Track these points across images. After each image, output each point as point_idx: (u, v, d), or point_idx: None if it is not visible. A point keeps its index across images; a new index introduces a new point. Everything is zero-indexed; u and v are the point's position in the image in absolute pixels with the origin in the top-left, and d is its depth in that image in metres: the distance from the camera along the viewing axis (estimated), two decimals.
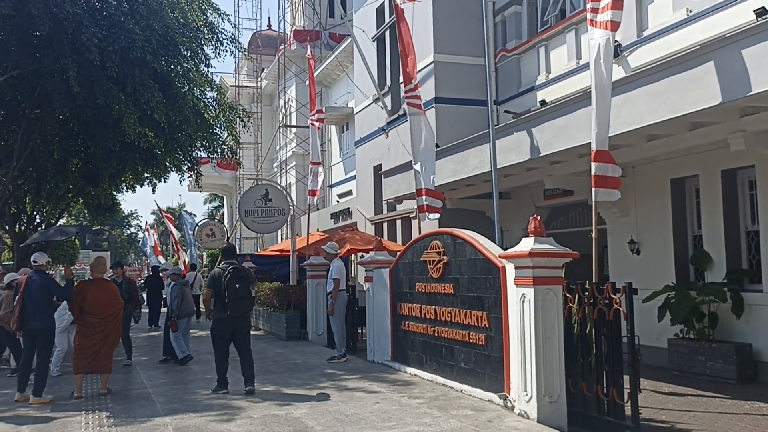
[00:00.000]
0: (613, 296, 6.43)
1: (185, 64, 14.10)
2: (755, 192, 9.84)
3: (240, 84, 36.87)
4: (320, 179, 16.97)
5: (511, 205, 14.50)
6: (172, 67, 13.81)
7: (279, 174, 33.22)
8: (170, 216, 43.92)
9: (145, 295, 20.73)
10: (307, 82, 19.60)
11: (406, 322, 9.83)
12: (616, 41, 11.56)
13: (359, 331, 12.93)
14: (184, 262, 33.56)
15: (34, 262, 8.87)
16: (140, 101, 12.32)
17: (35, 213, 21.10)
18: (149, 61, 12.22)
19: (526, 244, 6.76)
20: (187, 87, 14.43)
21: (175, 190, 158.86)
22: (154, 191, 50.22)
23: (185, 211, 52.32)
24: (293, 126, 30.10)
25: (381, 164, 18.39)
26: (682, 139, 9.13)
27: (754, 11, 8.22)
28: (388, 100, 18.26)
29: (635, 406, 6.31)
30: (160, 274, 20.50)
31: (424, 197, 11.67)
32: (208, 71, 15.01)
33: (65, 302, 9.54)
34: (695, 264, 10.63)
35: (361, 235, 17.71)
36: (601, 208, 10.91)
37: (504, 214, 12.83)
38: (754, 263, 10.02)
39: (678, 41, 10.51)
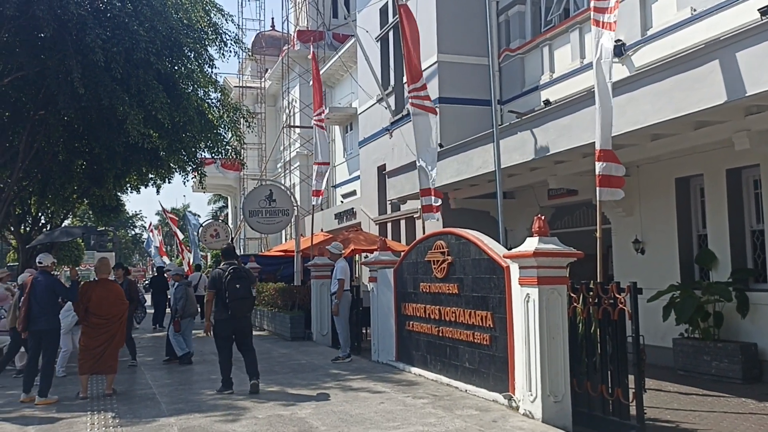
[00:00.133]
0: (617, 296, 6.41)
1: (189, 65, 14.12)
2: (760, 191, 9.81)
3: (244, 85, 36.91)
4: (325, 179, 16.97)
5: (515, 205, 14.49)
6: (176, 68, 13.83)
7: (283, 174, 33.25)
8: (174, 217, 43.99)
9: (149, 296, 20.78)
10: (311, 83, 19.62)
11: (411, 322, 9.83)
12: (620, 40, 11.57)
13: (363, 331, 12.93)
14: (189, 262, 33.63)
15: (39, 263, 8.89)
16: (144, 102, 12.35)
17: (40, 214, 21.18)
18: (153, 63, 12.25)
19: (531, 244, 6.76)
20: (191, 88, 14.45)
21: (179, 191, 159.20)
22: (158, 192, 50.21)
23: (189, 211, 52.32)
24: (297, 126, 30.14)
25: (385, 164, 18.40)
26: (686, 138, 9.12)
27: (758, 10, 8.19)
28: (391, 100, 18.26)
29: (640, 405, 6.29)
30: (165, 274, 20.54)
31: (430, 197, 11.67)
32: (212, 72, 15.04)
33: (69, 303, 9.58)
34: (700, 263, 10.61)
35: (365, 235, 17.71)
36: (606, 207, 10.90)
37: (508, 213, 12.82)
38: (759, 262, 9.99)
39: (682, 40, 10.49)
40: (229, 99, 16.58)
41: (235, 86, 35.84)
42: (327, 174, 16.70)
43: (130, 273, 20.52)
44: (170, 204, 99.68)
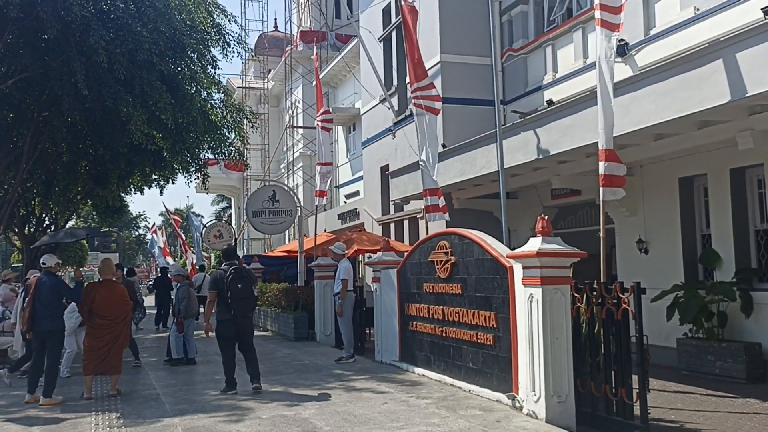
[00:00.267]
0: (621, 296, 6.41)
1: (192, 66, 14.15)
2: (764, 190, 9.80)
3: (247, 85, 36.95)
4: (329, 181, 16.97)
5: (518, 205, 14.48)
6: (179, 69, 13.85)
7: (286, 175, 33.28)
8: (177, 218, 44.07)
9: (153, 297, 20.80)
10: (314, 83, 19.64)
11: (414, 323, 9.83)
12: (623, 40, 11.55)
13: (367, 331, 12.94)
14: (192, 263, 33.70)
15: (43, 264, 8.91)
16: (148, 103, 12.38)
17: (44, 215, 21.24)
18: (156, 64, 12.28)
19: (534, 244, 6.75)
20: (194, 89, 14.48)
21: (182, 192, 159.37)
22: (161, 193, 50.46)
23: (193, 212, 52.42)
24: (300, 127, 30.15)
25: (388, 165, 18.40)
26: (690, 137, 9.10)
27: (761, 9, 8.18)
28: (394, 100, 18.26)
29: (644, 405, 6.29)
30: (168, 275, 20.59)
31: (435, 197, 11.66)
32: (215, 73, 15.06)
33: (73, 304, 9.61)
34: (704, 263, 10.59)
35: (369, 235, 17.72)
36: (609, 207, 10.89)
37: (511, 213, 12.82)
38: (763, 262, 9.98)
39: (685, 40, 10.47)
40: (232, 100, 16.61)
41: (238, 87, 35.87)
42: (330, 175, 16.69)
43: (135, 274, 20.60)
44: (174, 205, 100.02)
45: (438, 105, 12.02)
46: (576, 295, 6.86)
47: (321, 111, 16.79)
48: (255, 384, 8.56)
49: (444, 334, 8.95)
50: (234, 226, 36.60)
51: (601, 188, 7.82)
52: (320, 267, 14.01)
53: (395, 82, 18.55)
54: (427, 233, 10.77)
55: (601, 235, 7.86)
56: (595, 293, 6.70)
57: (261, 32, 40.38)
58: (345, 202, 25.97)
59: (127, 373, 10.06)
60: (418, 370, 9.57)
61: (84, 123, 14.98)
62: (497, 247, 7.97)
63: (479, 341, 8.06)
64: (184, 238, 42.13)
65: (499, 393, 7.52)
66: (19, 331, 10.12)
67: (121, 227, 65.20)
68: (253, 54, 24.29)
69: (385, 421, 6.84)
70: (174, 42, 12.91)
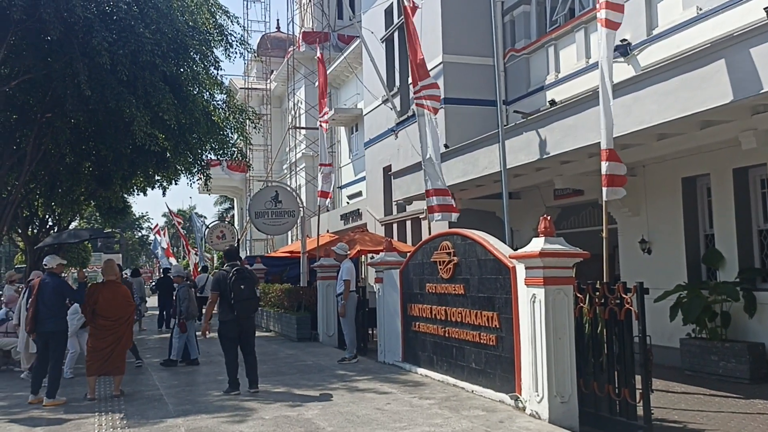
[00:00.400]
0: (624, 296, 6.40)
1: (195, 67, 14.14)
2: (767, 190, 9.78)
3: (249, 86, 36.97)
4: (332, 182, 16.97)
5: (521, 205, 14.48)
6: (182, 70, 13.85)
7: (289, 176, 33.31)
8: (180, 220, 44.15)
9: (155, 298, 20.83)
10: (317, 84, 19.65)
11: (417, 323, 9.83)
12: (626, 40, 11.55)
13: (370, 332, 12.93)
14: (195, 264, 33.74)
15: (45, 265, 8.93)
16: (151, 104, 12.38)
17: (47, 216, 21.26)
18: (159, 65, 12.28)
19: (537, 245, 6.75)
20: (197, 90, 14.47)
21: (185, 193, 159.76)
22: (164, 194, 50.58)
23: (195, 213, 52.53)
24: (302, 128, 30.17)
25: (390, 165, 18.41)
26: (692, 137, 9.09)
27: (764, 8, 8.16)
28: (397, 101, 18.27)
29: (647, 406, 6.28)
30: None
31: (441, 197, 11.64)
32: (217, 74, 15.05)
33: (76, 305, 9.62)
34: (707, 263, 10.58)
35: (371, 236, 17.73)
36: (612, 207, 10.88)
37: (514, 214, 12.81)
38: (766, 262, 9.96)
39: (688, 39, 10.46)
40: (235, 100, 16.60)
41: (240, 88, 35.90)
42: (333, 176, 16.69)
43: (140, 274, 20.65)
44: (176, 206, 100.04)
45: (436, 104, 12.02)
46: (579, 295, 6.86)
47: (323, 111, 16.81)
48: (253, 390, 8.59)
49: (447, 335, 8.95)
50: (237, 227, 36.62)
51: (603, 188, 7.82)
52: (323, 267, 14.01)
53: (398, 83, 18.55)
54: (429, 234, 10.77)
55: (603, 235, 7.86)
56: (597, 293, 6.70)
57: (263, 33, 40.43)
58: (348, 203, 25.97)
59: (130, 374, 10.07)
60: (421, 370, 9.57)
61: (87, 124, 14.99)
62: (500, 248, 7.96)
63: (482, 342, 8.06)
64: (187, 239, 42.20)
65: (502, 393, 7.51)
66: (23, 332, 10.14)
67: (124, 228, 65.32)
68: (255, 55, 24.35)
69: (387, 421, 6.84)
70: (177, 43, 12.91)
